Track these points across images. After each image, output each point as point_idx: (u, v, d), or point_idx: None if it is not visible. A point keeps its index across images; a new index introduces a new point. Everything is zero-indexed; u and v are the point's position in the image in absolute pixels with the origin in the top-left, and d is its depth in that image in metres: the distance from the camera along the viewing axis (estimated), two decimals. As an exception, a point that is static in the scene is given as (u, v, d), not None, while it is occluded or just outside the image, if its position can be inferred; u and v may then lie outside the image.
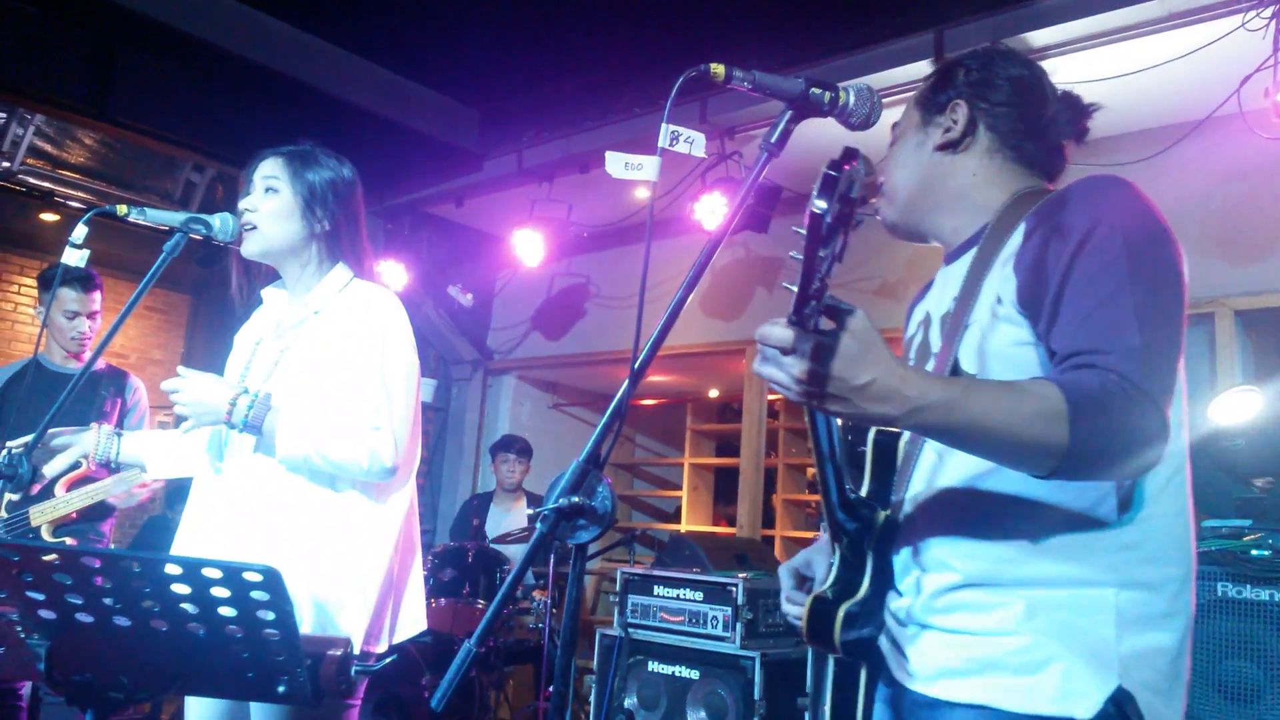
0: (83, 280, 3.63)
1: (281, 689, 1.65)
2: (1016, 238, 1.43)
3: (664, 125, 1.29)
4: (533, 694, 5.47)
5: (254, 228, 2.17)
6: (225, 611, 1.53)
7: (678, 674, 3.90)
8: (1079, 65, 4.00)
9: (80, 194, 6.16)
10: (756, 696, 3.64)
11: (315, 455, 2.02)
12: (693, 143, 1.33)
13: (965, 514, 1.40)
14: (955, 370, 1.42)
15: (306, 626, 1.99)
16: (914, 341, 1.69)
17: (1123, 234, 1.31)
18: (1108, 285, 1.28)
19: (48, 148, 5.85)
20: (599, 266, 6.60)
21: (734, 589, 3.80)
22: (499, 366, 7.29)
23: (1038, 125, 1.58)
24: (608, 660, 4.02)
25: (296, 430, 2.02)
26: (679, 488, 7.87)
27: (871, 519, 1.49)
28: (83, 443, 2.28)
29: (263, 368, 2.19)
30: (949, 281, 1.58)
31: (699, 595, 3.91)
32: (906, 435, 1.51)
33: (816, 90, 1.38)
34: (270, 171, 2.20)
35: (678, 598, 3.97)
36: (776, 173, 5.03)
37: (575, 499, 1.27)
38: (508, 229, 5.74)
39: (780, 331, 1.09)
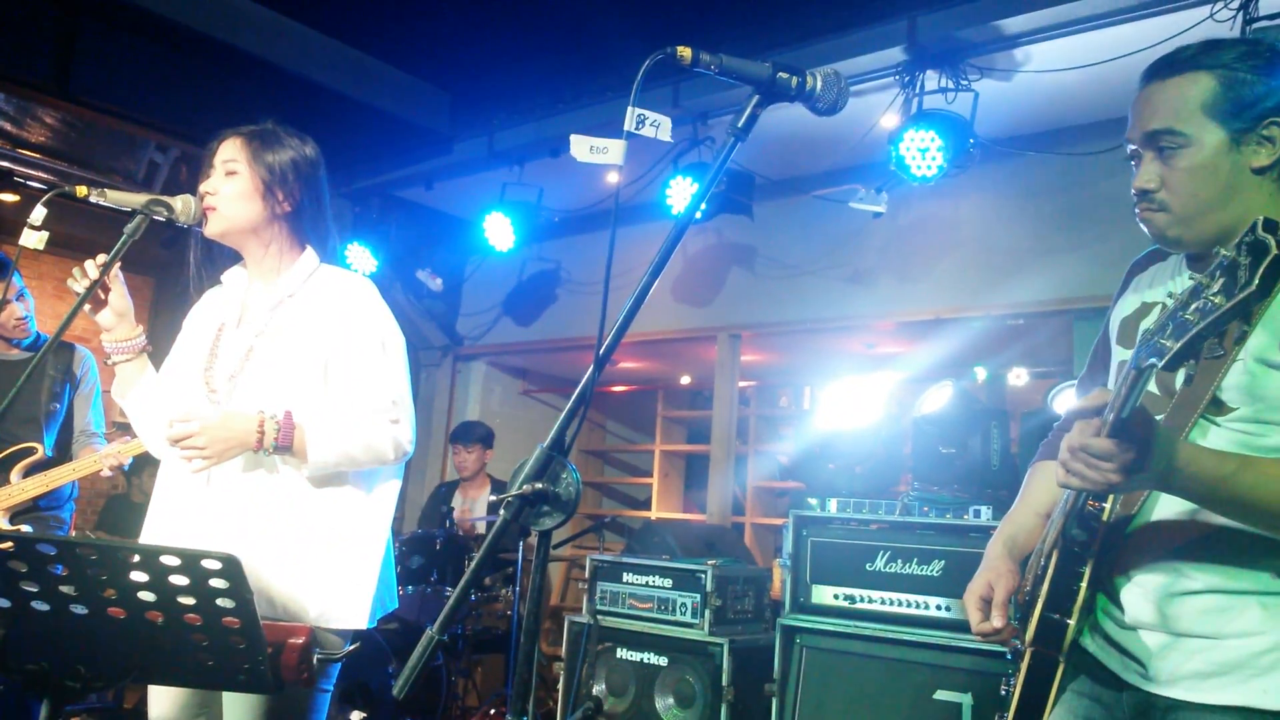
0: None
1: (242, 677, 1.63)
2: None
3: (630, 109, 1.28)
4: (502, 682, 5.47)
5: (214, 209, 2.16)
6: (184, 600, 1.51)
7: (646, 660, 3.90)
8: (1050, 53, 4.02)
9: (41, 174, 6.03)
10: (724, 683, 3.65)
11: (345, 461, 2.06)
12: (659, 126, 1.32)
13: (1202, 531, 1.50)
14: (1215, 402, 1.50)
15: (310, 617, 2.02)
16: (1145, 328, 1.67)
17: None
18: None
19: (7, 126, 5.72)
20: (570, 251, 6.57)
21: (703, 576, 3.81)
22: (468, 352, 7.25)
23: None
24: (577, 647, 4.02)
25: (324, 440, 2.04)
26: (650, 474, 7.88)
27: (1096, 530, 1.57)
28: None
29: (233, 356, 2.16)
30: None
31: (668, 582, 3.92)
32: None
33: (784, 75, 1.38)
34: (230, 154, 2.18)
35: (647, 584, 3.97)
36: (749, 158, 5.02)
37: (539, 485, 1.26)
38: (478, 213, 5.70)
39: (1103, 444, 1.31)
